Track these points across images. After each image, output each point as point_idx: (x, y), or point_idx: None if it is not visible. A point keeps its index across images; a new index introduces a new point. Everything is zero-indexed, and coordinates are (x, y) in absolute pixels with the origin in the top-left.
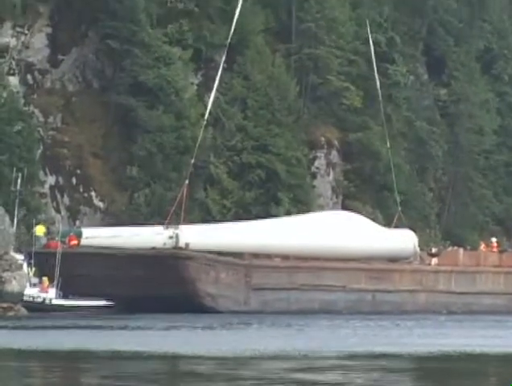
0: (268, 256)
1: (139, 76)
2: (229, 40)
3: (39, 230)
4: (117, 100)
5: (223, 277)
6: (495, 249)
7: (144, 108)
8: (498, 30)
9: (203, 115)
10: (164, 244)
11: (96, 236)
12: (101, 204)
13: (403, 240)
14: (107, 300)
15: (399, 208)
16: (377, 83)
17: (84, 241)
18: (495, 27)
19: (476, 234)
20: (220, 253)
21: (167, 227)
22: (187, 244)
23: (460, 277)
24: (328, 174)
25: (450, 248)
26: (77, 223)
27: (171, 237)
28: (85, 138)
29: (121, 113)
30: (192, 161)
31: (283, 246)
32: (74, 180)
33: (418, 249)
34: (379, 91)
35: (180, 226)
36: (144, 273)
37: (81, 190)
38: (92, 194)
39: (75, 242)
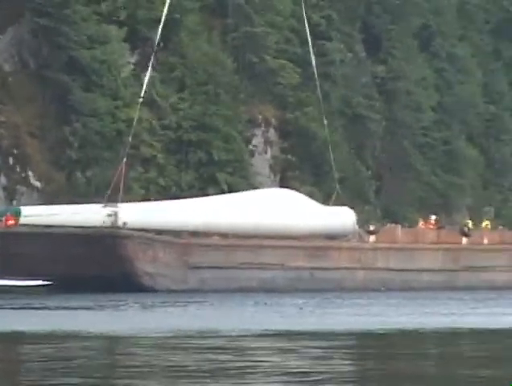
0: (207, 234)
1: (74, 56)
2: (163, 18)
3: None
4: (53, 80)
5: (161, 256)
6: (432, 226)
7: (79, 89)
8: (436, 8)
9: (138, 95)
10: (103, 222)
11: (35, 214)
12: (38, 184)
13: (342, 217)
14: (44, 279)
15: (337, 186)
16: (313, 60)
17: (23, 219)
18: (432, 5)
19: (415, 211)
20: (158, 232)
21: (106, 206)
22: (124, 223)
23: (398, 255)
24: (266, 152)
25: (388, 226)
26: (14, 202)
27: (109, 215)
28: (22, 118)
29: (58, 93)
30: (130, 138)
31: (222, 224)
32: (11, 160)
33: (356, 227)
34: (315, 68)
35: (119, 204)
36: (82, 251)
37: (18, 169)
38: (30, 173)
39: (12, 222)
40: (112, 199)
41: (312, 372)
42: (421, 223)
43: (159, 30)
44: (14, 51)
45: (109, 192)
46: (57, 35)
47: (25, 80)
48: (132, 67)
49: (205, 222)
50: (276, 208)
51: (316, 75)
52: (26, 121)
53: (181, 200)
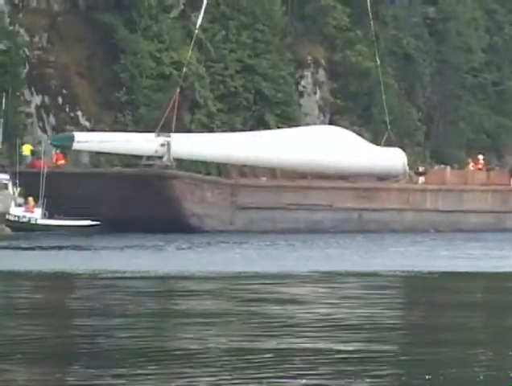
0: (255, 174)
1: None
2: None
3: (26, 149)
4: (101, 21)
5: (209, 197)
6: (482, 167)
7: (126, 30)
8: None
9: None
10: (156, 151)
11: (88, 140)
12: (87, 124)
13: (393, 157)
14: (93, 220)
15: (389, 126)
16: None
17: (76, 145)
18: None
19: (464, 153)
20: (207, 172)
21: (159, 135)
22: (172, 163)
23: (447, 196)
24: (315, 93)
25: (437, 167)
26: None
27: (162, 145)
28: (71, 58)
29: (106, 34)
30: (183, 73)
31: (271, 159)
32: (60, 100)
33: (407, 168)
34: (369, 7)
35: (171, 134)
36: (130, 192)
37: (67, 109)
38: (79, 113)
39: (62, 161)
40: (164, 130)
41: (353, 320)
42: (471, 165)
43: None
44: None
45: (161, 122)
46: None
47: (74, 20)
48: (182, 7)
49: (254, 156)
50: (327, 145)
51: (371, 15)
52: (74, 61)
53: (232, 133)
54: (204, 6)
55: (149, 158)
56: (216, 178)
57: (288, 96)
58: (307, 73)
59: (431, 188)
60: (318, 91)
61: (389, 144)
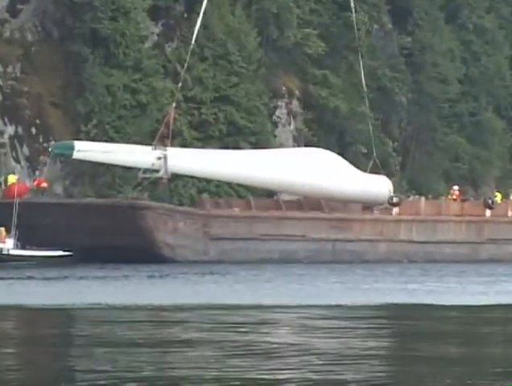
0: (229, 205)
1: (97, 27)
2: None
3: (11, 179)
4: (75, 51)
5: (181, 227)
6: (456, 197)
7: (100, 61)
8: None
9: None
10: (152, 164)
11: (89, 149)
12: None
13: (379, 185)
14: (65, 250)
15: (374, 153)
16: (356, 34)
17: (76, 154)
18: None
19: (441, 183)
20: (180, 203)
21: (156, 148)
22: (168, 176)
23: (421, 227)
24: (290, 124)
25: (411, 198)
26: (37, 173)
27: (159, 158)
28: (45, 88)
29: (80, 64)
30: (179, 85)
31: (268, 178)
32: (34, 130)
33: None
34: (358, 42)
35: (168, 148)
36: (102, 222)
37: (41, 140)
38: (52, 143)
39: (45, 184)
40: (161, 143)
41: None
42: (449, 196)
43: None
44: (37, 21)
45: (158, 135)
46: (80, 6)
47: (48, 50)
48: (155, 38)
49: (248, 174)
50: (317, 167)
51: (360, 54)
52: (48, 90)
53: (228, 151)
54: (194, 36)
55: (145, 171)
56: (189, 208)
57: (262, 126)
58: (282, 104)
59: (405, 219)
60: (292, 121)
61: (374, 172)
